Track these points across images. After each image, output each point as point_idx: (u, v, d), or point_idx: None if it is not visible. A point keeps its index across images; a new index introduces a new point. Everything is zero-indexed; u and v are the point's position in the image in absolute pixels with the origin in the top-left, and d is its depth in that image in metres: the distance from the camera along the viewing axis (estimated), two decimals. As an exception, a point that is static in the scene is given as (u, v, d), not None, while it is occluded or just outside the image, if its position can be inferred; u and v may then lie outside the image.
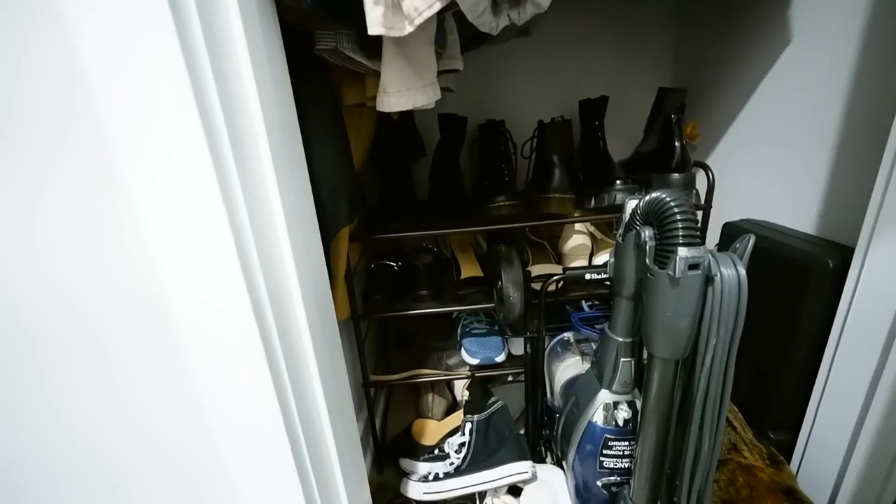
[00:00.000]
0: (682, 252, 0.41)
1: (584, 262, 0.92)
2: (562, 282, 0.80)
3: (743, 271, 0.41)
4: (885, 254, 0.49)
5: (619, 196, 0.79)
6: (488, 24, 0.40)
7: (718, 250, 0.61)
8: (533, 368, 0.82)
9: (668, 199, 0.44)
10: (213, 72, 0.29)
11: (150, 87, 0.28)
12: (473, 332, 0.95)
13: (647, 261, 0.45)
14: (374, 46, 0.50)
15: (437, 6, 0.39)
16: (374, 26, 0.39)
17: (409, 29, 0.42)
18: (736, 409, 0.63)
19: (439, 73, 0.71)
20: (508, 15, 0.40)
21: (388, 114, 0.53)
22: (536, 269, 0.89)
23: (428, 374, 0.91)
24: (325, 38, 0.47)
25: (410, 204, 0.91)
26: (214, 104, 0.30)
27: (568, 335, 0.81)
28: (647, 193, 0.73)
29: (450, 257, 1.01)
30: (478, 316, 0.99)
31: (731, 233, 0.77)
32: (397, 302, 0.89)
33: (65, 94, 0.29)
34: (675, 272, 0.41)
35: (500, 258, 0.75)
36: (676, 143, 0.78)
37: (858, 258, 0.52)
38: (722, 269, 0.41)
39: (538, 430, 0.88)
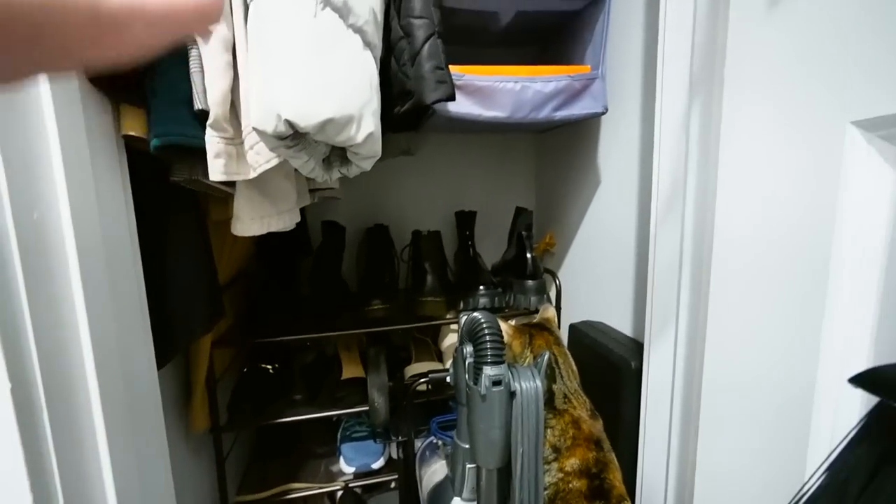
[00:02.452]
0: (487, 370, 0.47)
1: (461, 359, 0.98)
2: (430, 384, 0.83)
3: (539, 383, 0.49)
4: (658, 355, 0.60)
5: (482, 301, 0.89)
6: (321, 177, 0.47)
7: (568, 347, 0.71)
8: (406, 474, 0.81)
9: (482, 320, 0.51)
10: (14, 214, 0.32)
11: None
12: (354, 435, 0.93)
13: (466, 377, 0.51)
14: (231, 178, 0.56)
15: (274, 162, 0.46)
16: (216, 174, 0.45)
17: (253, 175, 0.48)
18: (567, 354, 0.68)
19: (320, 189, 0.79)
20: (339, 171, 0.48)
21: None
22: (413, 369, 0.92)
23: (299, 489, 0.85)
24: (179, 170, 0.52)
25: (293, 302, 0.92)
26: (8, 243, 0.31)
27: (436, 438, 0.83)
28: (497, 299, 0.83)
29: (334, 355, 1.01)
30: (360, 418, 0.97)
31: (575, 334, 0.88)
32: (270, 406, 0.85)
33: None
34: (482, 388, 0.47)
35: (369, 363, 0.78)
36: (528, 255, 0.92)
37: (646, 360, 0.63)
38: (522, 382, 0.48)
39: (415, 543, 0.84)
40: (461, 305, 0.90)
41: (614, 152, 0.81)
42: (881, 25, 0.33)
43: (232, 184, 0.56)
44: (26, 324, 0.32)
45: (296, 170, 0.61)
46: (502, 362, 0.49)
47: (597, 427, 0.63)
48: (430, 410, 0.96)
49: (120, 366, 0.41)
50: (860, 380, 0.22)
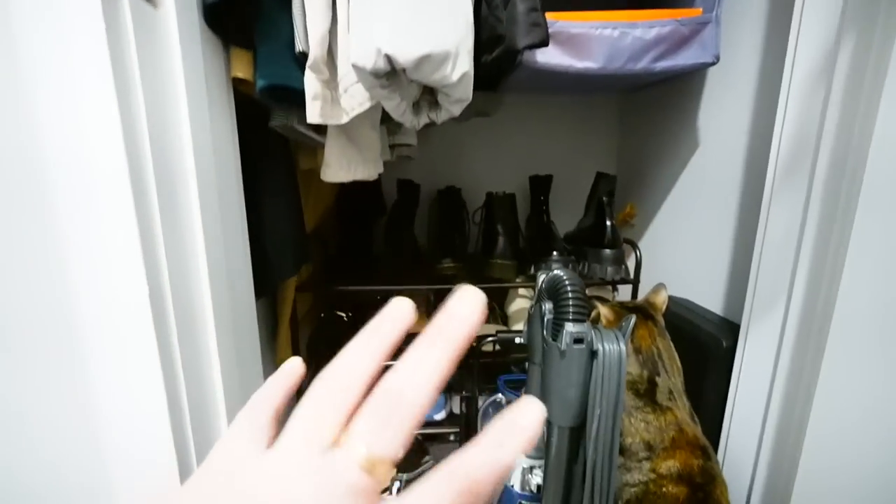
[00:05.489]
0: (569, 327, 0.46)
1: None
2: (498, 343, 0.84)
3: (623, 347, 0.46)
4: (758, 336, 0.55)
5: (555, 266, 0.86)
6: (409, 121, 0.47)
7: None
8: (468, 428, 0.83)
9: (564, 278, 0.50)
10: (150, 136, 0.35)
11: (87, 141, 0.33)
12: (417, 387, 0.97)
13: (544, 332, 0.50)
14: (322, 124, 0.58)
15: (367, 105, 0.47)
16: (313, 117, 0.46)
17: (345, 119, 0.49)
18: (673, 349, 0.60)
19: (398, 145, 0.80)
20: (428, 115, 0.47)
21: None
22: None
23: (367, 429, 0.90)
24: (278, 116, 0.54)
25: (366, 258, 0.96)
26: (146, 164, 0.35)
27: (500, 397, 0.83)
28: (571, 266, 0.80)
29: (402, 312, 1.05)
30: (423, 372, 1.00)
31: (654, 308, 0.83)
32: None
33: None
34: (562, 345, 0.46)
35: (439, 317, 0.79)
36: (607, 223, 0.87)
37: (742, 339, 0.58)
38: (605, 343, 0.46)
39: (472, 494, 0.87)
40: (532, 270, 0.88)
41: (720, 109, 0.72)
42: None
43: (323, 132, 0.58)
44: (160, 240, 0.36)
45: (380, 122, 0.62)
46: (585, 321, 0.47)
47: (700, 433, 0.56)
48: (492, 371, 0.97)
49: (228, 290, 0.45)
50: None
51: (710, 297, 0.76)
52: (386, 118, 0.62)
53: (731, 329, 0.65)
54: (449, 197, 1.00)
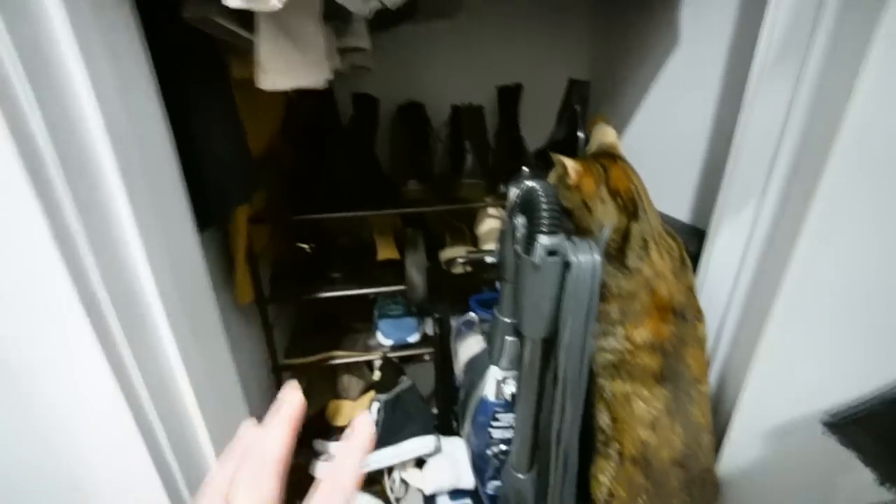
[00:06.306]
0: (542, 240, 0.43)
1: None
2: (469, 265, 0.83)
3: (598, 257, 0.45)
4: (725, 239, 0.55)
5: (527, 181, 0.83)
6: (358, 6, 0.39)
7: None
8: (441, 348, 0.85)
9: (539, 190, 0.47)
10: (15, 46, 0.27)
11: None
12: (389, 313, 0.96)
13: (517, 247, 0.47)
14: (252, 17, 0.48)
15: (301, -19, 0.38)
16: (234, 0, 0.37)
17: (275, 4, 0.40)
18: (646, 188, 0.57)
19: (348, 50, 0.69)
20: (381, 1, 0.39)
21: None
22: (448, 253, 0.91)
23: (341, 356, 0.91)
24: (193, 4, 0.44)
25: (325, 183, 0.89)
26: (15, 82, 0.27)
27: (473, 316, 0.84)
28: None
29: (369, 239, 1.01)
30: (394, 298, 1.00)
31: (623, 220, 0.82)
32: (310, 284, 0.88)
33: None
34: (535, 258, 0.44)
35: (407, 242, 0.76)
36: (580, 134, 0.82)
37: (709, 244, 0.58)
38: (579, 255, 0.45)
39: (449, 406, 0.92)
40: (503, 188, 0.85)
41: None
42: None
43: (252, 26, 0.48)
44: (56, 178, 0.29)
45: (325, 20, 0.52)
46: (558, 233, 0.45)
47: (682, 286, 0.53)
48: (463, 292, 0.98)
49: (158, 223, 0.39)
50: None
51: (680, 207, 0.76)
52: (330, 15, 0.53)
53: (697, 236, 0.66)
54: (411, 113, 0.92)
